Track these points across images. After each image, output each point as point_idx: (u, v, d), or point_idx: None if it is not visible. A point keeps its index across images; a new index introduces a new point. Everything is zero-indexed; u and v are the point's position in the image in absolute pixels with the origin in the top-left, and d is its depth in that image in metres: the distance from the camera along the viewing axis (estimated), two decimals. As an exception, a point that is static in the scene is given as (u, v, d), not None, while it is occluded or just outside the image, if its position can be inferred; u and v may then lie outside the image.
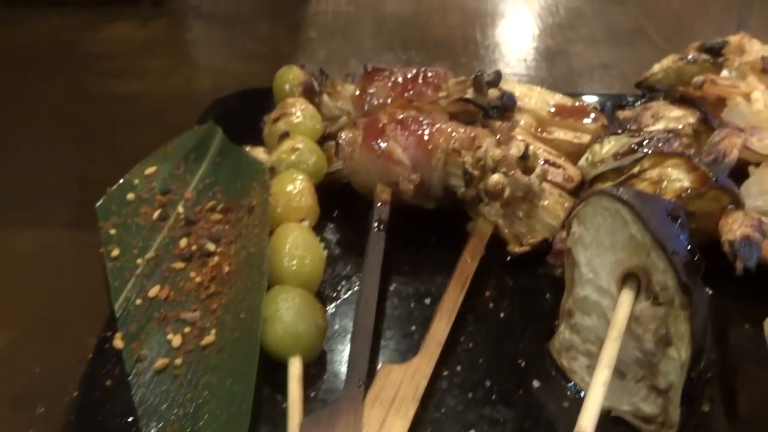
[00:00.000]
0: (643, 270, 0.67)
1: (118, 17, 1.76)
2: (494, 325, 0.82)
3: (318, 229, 0.91)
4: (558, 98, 1.09)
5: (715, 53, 1.11)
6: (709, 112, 0.95)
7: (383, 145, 0.89)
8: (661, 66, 1.16)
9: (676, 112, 0.98)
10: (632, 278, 0.69)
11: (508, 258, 0.88)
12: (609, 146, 0.91)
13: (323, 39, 1.67)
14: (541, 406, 0.72)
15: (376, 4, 1.85)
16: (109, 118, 1.36)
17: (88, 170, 1.17)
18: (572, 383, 0.74)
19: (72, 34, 1.68)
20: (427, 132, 0.89)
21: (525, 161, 0.85)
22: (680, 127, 0.94)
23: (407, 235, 0.93)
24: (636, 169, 0.81)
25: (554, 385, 0.74)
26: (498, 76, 1.04)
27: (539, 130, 1.04)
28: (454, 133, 0.89)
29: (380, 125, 0.90)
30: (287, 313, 0.72)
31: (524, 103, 1.07)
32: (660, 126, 0.97)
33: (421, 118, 0.91)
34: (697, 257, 0.66)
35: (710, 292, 0.76)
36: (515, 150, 0.85)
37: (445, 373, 0.75)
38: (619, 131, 0.95)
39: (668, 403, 0.66)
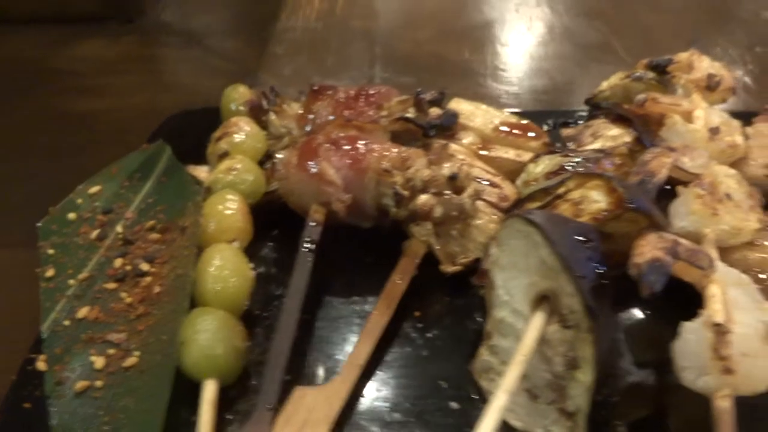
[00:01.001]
0: (554, 293, 0.68)
1: (90, 35, 1.78)
2: (421, 346, 0.82)
3: (255, 248, 0.92)
4: (503, 117, 1.09)
5: (660, 71, 1.11)
6: (644, 131, 0.95)
7: (316, 165, 0.89)
8: (609, 83, 1.16)
9: (614, 130, 0.99)
10: (545, 301, 0.69)
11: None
12: (543, 166, 0.91)
13: (290, 55, 1.68)
14: (459, 428, 0.72)
15: (345, 20, 1.86)
16: (73, 136, 1.37)
17: (49, 189, 1.18)
18: (491, 405, 0.74)
19: (42, 51, 1.70)
20: (359, 152, 0.89)
21: (454, 181, 0.85)
22: (616, 146, 0.94)
23: (344, 254, 0.94)
24: (561, 190, 0.81)
25: (473, 408, 0.74)
26: (440, 96, 1.05)
27: (483, 148, 1.05)
28: (386, 153, 0.89)
29: (314, 146, 0.91)
30: (204, 335, 0.72)
31: (469, 122, 1.07)
32: (598, 144, 0.97)
33: (356, 139, 0.91)
34: (606, 281, 0.67)
35: (640, 313, 0.76)
36: (446, 170, 0.85)
37: (365, 395, 0.75)
38: (558, 150, 0.95)
39: (575, 426, 0.66)
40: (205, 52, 1.73)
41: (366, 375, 0.77)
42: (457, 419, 0.73)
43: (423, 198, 0.84)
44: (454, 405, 0.74)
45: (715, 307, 0.70)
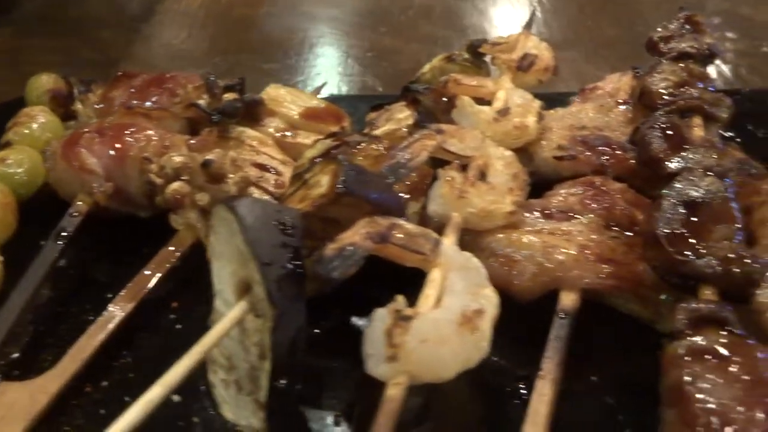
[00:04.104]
0: (250, 281, 0.65)
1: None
2: (169, 338, 0.80)
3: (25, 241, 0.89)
4: (311, 102, 1.06)
5: (473, 52, 1.09)
6: (425, 114, 0.93)
7: (77, 155, 0.87)
8: (431, 65, 1.14)
9: (405, 113, 0.96)
10: (250, 290, 0.67)
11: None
12: (314, 151, 0.88)
13: (162, 44, 1.65)
14: (176, 420, 0.71)
15: (230, 8, 1.82)
16: None
17: None
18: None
19: None
20: (123, 141, 0.87)
21: (208, 168, 0.83)
22: (398, 128, 0.91)
23: (117, 244, 0.91)
24: (309, 175, 0.79)
25: (194, 401, 0.72)
26: (239, 82, 1.02)
27: (287, 133, 1.03)
28: (151, 142, 0.87)
29: (78, 135, 0.88)
30: None
31: (275, 107, 1.05)
32: (388, 127, 0.95)
33: (123, 127, 0.89)
34: (300, 269, 0.64)
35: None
36: (200, 157, 0.83)
37: (88, 389, 0.73)
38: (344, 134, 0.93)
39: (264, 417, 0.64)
40: (79, 43, 1.70)
41: (95, 367, 0.74)
42: (178, 410, 0.71)
43: (174, 186, 0.82)
44: (176, 398, 0.72)
45: (428, 293, 0.68)
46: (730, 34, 1.67)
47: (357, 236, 0.66)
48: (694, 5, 1.75)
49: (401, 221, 0.71)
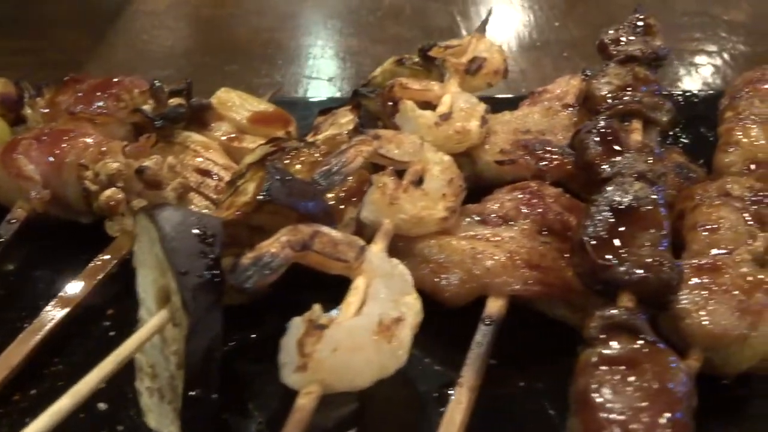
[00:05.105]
0: (169, 290, 0.66)
1: None
2: (102, 345, 0.79)
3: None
4: (260, 106, 1.06)
5: (424, 55, 1.08)
6: (371, 118, 0.93)
7: (14, 161, 0.86)
8: (382, 68, 1.13)
9: (348, 117, 0.96)
10: (169, 299, 0.67)
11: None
12: (253, 156, 0.88)
13: (126, 45, 1.65)
14: (102, 427, 0.71)
15: (197, 8, 1.82)
16: None
17: None
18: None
19: None
20: (61, 147, 0.87)
21: (142, 175, 0.83)
22: (338, 133, 0.91)
23: (57, 250, 0.91)
24: (240, 182, 0.79)
25: (123, 407, 0.72)
26: (186, 86, 1.02)
27: (236, 139, 1.03)
28: (89, 148, 0.87)
29: (18, 142, 0.88)
30: None
31: (225, 111, 1.05)
32: (329, 132, 0.95)
33: (62, 133, 0.89)
34: (217, 278, 0.65)
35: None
36: (135, 164, 0.83)
37: (16, 397, 0.74)
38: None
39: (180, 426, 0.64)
40: (44, 44, 1.69)
41: (27, 375, 0.74)
42: (103, 418, 0.71)
43: (108, 192, 0.82)
44: (102, 406, 0.72)
45: (350, 300, 0.68)
46: (698, 35, 1.67)
47: (276, 244, 0.66)
48: (664, 6, 1.77)
49: (325, 229, 0.71)
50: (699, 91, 1.39)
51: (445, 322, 0.76)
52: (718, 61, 1.55)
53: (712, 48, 1.61)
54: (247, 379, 0.77)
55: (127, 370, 0.74)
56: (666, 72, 1.45)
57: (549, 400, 0.73)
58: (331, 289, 0.70)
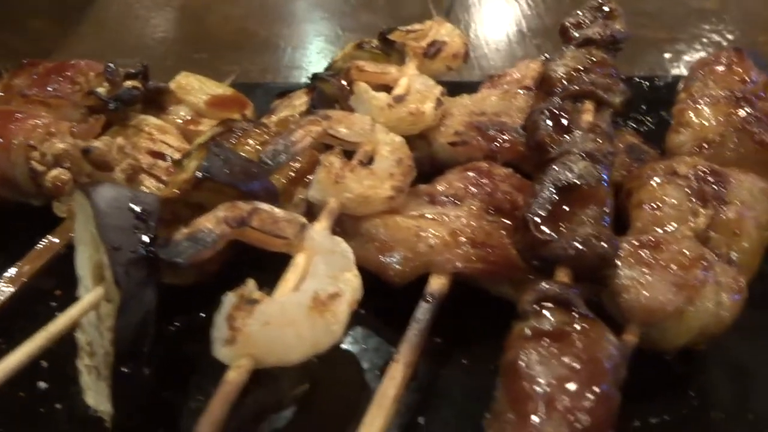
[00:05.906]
0: (103, 266, 0.65)
1: None
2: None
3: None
4: (218, 90, 1.06)
5: (383, 39, 1.08)
6: (327, 101, 0.93)
7: (-39, 142, 0.86)
8: (343, 53, 1.13)
9: (302, 99, 0.96)
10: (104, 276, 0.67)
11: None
12: (203, 137, 0.88)
13: (94, 34, 1.64)
14: (41, 405, 0.70)
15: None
16: None
17: None
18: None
19: None
20: (9, 128, 0.86)
21: (89, 155, 0.82)
22: (291, 114, 0.91)
23: (8, 233, 0.91)
24: (186, 161, 0.79)
25: (63, 386, 0.72)
26: (142, 69, 1.01)
27: (193, 122, 1.02)
28: (37, 129, 0.86)
29: (-35, 122, 0.88)
30: None
31: (183, 95, 1.04)
32: (283, 114, 0.94)
33: (10, 113, 0.88)
34: (152, 254, 0.64)
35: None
36: (96, 144, 0.83)
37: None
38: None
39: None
40: (10, 34, 1.68)
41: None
42: (43, 397, 0.71)
43: (54, 172, 0.81)
44: (42, 385, 0.72)
45: (288, 277, 0.68)
46: (670, 22, 1.67)
47: (212, 219, 0.66)
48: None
49: (264, 206, 0.71)
50: (663, 75, 1.39)
51: (390, 300, 0.76)
52: (686, 47, 1.55)
53: (683, 35, 1.62)
54: (191, 359, 0.76)
55: (71, 350, 0.75)
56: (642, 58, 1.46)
57: (491, 378, 0.73)
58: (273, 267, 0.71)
